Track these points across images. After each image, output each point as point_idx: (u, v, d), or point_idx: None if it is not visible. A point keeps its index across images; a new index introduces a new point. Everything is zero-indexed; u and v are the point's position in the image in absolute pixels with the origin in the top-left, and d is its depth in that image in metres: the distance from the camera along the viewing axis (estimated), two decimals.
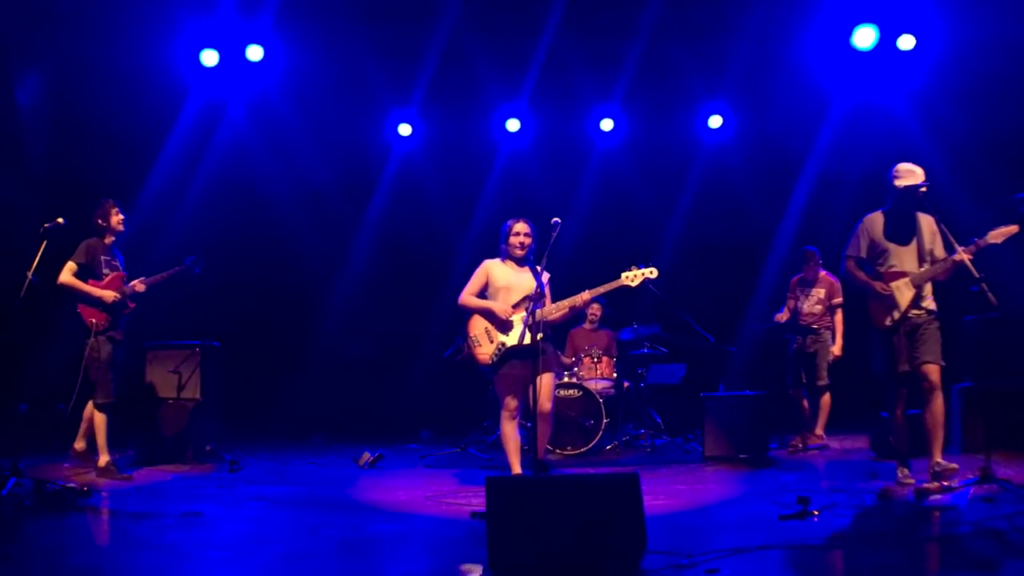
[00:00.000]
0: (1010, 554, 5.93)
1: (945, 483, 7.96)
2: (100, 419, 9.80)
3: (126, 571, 5.95)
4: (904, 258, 8.34)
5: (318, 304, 15.53)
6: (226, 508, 8.09)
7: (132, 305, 10.09)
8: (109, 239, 10.06)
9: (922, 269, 8.27)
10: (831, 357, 11.93)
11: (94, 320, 9.72)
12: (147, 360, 11.45)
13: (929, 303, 8.30)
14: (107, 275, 9.93)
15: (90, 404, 9.94)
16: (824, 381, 11.93)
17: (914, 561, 5.96)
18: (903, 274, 8.29)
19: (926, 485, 8.01)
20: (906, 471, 8.36)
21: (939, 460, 8.21)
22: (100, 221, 9.98)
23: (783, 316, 12.24)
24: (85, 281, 9.78)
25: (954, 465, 8.12)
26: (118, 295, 9.87)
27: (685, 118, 15.24)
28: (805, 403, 12.05)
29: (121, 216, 10.08)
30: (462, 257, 14.56)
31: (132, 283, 10.02)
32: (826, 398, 11.96)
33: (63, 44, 13.27)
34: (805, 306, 12.11)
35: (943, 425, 8.30)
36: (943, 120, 13.46)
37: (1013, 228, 8.02)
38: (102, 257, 9.94)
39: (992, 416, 10.01)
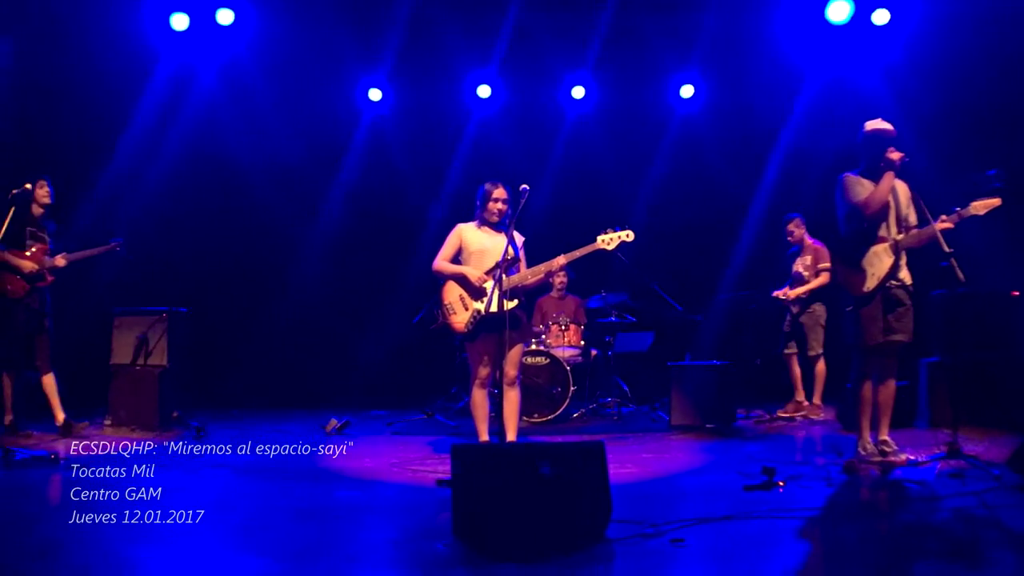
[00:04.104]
0: (978, 531, 5.94)
1: (893, 459, 7.99)
2: (4, 382, 10.42)
3: (89, 540, 5.90)
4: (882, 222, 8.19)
5: (287, 270, 15.43)
6: (191, 475, 8.05)
7: (51, 278, 10.46)
8: (37, 211, 10.44)
9: (901, 236, 8.08)
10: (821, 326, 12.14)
11: (11, 288, 10.15)
12: (114, 326, 11.36)
13: (906, 275, 8.15)
14: (31, 246, 10.34)
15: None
16: (816, 351, 12.06)
17: (879, 534, 5.96)
18: (882, 239, 8.08)
19: (876, 458, 8.05)
20: (869, 444, 8.28)
21: (887, 438, 8.20)
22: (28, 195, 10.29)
23: (782, 293, 12.30)
24: (8, 250, 10.14)
25: (897, 450, 8.13)
26: (36, 267, 10.26)
27: (657, 87, 15.24)
28: (796, 369, 12.20)
29: (46, 190, 10.44)
30: (432, 224, 14.55)
31: (55, 257, 10.40)
32: (820, 366, 12.08)
33: (31, 7, 13.13)
34: (802, 275, 12.24)
35: (893, 404, 8.30)
36: (916, 95, 13.43)
37: (996, 201, 7.89)
38: (28, 228, 10.33)
39: (959, 391, 10.05)
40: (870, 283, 8.03)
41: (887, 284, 8.03)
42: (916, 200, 8.14)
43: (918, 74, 13.44)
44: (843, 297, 8.36)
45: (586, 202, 14.91)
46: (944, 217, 7.88)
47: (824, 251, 12.04)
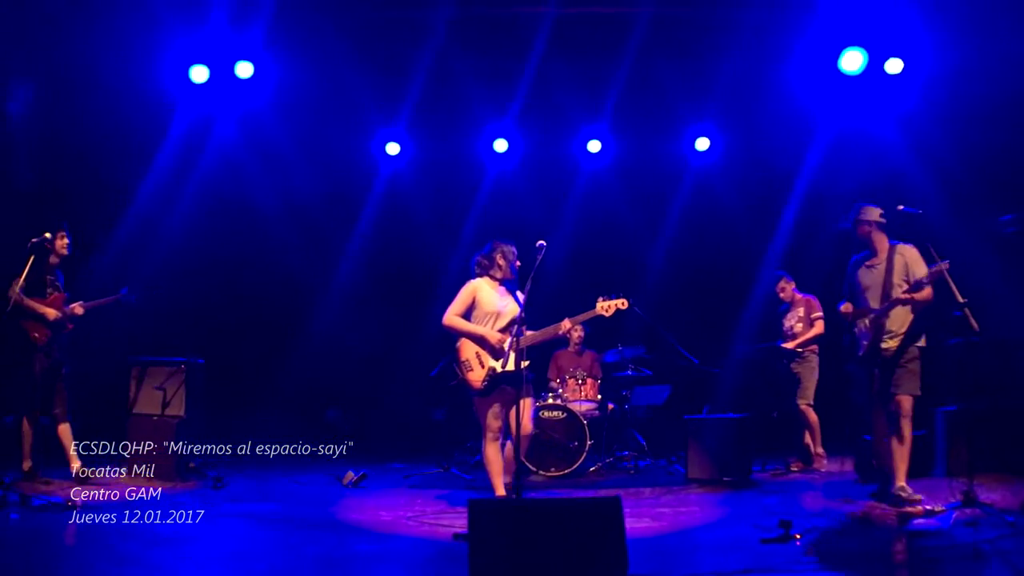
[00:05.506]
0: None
1: (909, 508, 8.03)
2: (25, 429, 10.34)
3: None
4: (869, 295, 8.66)
5: (304, 322, 15.46)
6: (209, 525, 8.07)
7: (71, 326, 10.66)
8: (54, 260, 10.61)
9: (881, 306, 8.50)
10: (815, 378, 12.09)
11: (37, 335, 10.32)
12: (132, 376, 11.39)
13: (893, 341, 8.37)
14: (50, 294, 10.54)
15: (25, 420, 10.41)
16: (807, 400, 12.02)
17: None
18: (866, 311, 8.59)
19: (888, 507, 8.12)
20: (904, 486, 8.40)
21: (903, 484, 8.27)
22: (47, 244, 10.38)
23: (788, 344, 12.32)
24: (30, 298, 10.28)
25: (918, 496, 8.19)
26: (60, 314, 10.44)
27: (672, 140, 15.26)
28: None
29: (66, 240, 10.64)
30: (448, 276, 14.53)
31: (72, 305, 10.62)
32: (812, 416, 12.04)
33: (53, 56, 13.25)
34: (793, 328, 12.24)
35: (908, 454, 8.36)
36: (931, 143, 13.46)
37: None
38: (47, 277, 10.52)
39: (975, 440, 10.02)
40: (859, 350, 8.68)
41: (873, 348, 8.52)
42: (906, 267, 8.38)
43: (933, 122, 13.44)
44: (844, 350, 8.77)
45: (603, 254, 14.96)
46: (902, 295, 8.36)
47: (815, 302, 12.26)
